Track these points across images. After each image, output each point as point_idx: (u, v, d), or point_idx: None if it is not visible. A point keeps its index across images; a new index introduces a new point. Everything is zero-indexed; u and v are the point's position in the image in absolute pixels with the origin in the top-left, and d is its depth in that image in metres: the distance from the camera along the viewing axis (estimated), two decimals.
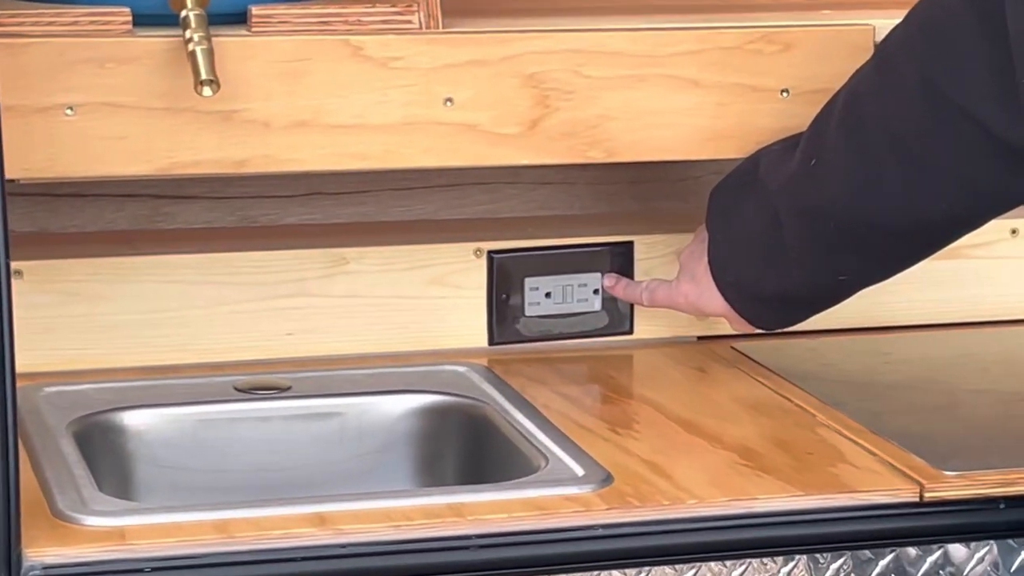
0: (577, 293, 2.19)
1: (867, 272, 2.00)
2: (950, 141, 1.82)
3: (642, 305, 2.18)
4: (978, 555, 1.77)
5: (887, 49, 1.91)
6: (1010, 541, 1.78)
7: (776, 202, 1.96)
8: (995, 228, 2.27)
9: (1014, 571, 1.78)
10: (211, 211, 2.18)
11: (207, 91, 1.84)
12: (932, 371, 2.16)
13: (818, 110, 2.01)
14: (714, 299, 2.05)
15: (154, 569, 1.62)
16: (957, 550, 1.77)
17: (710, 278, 2.04)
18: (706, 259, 2.04)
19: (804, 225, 1.95)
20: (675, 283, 2.12)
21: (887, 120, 1.87)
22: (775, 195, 1.96)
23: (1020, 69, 1.73)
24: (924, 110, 1.83)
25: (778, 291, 2.02)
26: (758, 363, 2.12)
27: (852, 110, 1.91)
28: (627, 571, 1.70)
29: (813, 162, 1.92)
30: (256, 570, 1.64)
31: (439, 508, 1.73)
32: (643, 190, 2.30)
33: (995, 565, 1.78)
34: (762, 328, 2.08)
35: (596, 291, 2.21)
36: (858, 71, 1.92)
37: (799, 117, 2.06)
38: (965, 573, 1.77)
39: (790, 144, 1.99)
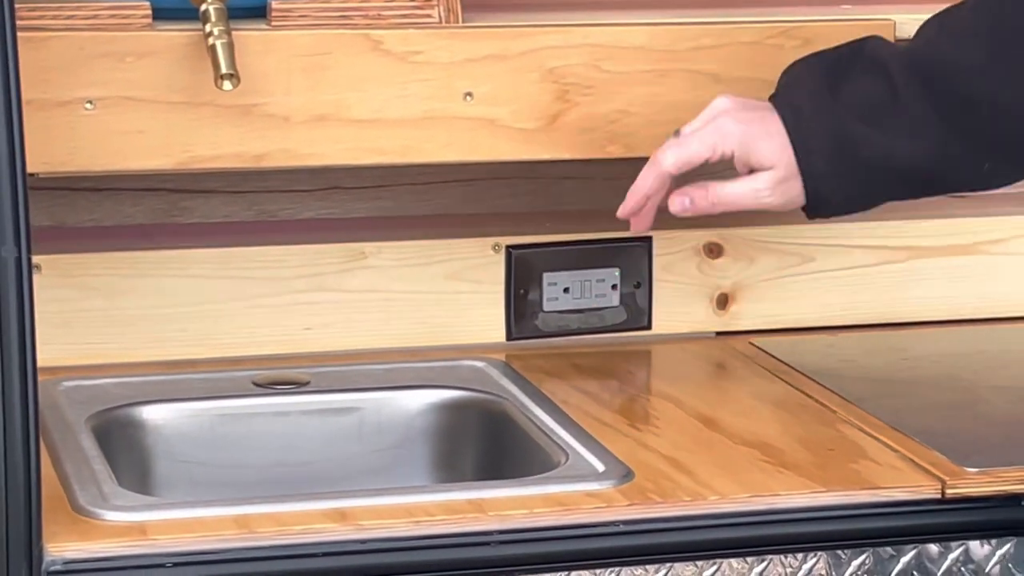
0: (595, 288, 2.20)
1: (981, 158, 1.86)
2: None
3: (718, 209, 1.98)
4: (1000, 552, 1.77)
5: None
6: None
7: (891, 67, 1.87)
8: (1012, 225, 2.28)
9: None
10: (229, 205, 2.18)
11: (227, 85, 1.84)
12: (951, 368, 2.16)
13: None
14: (792, 187, 1.91)
15: (175, 564, 1.62)
16: (978, 547, 1.77)
17: (791, 159, 1.89)
18: (785, 137, 1.89)
19: (926, 89, 1.85)
20: (752, 181, 1.94)
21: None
22: (893, 61, 1.87)
23: None
24: None
25: (879, 154, 1.87)
26: (777, 359, 2.13)
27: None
28: (648, 567, 1.71)
29: (940, 30, 1.87)
30: (277, 565, 1.64)
31: (459, 504, 1.73)
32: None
33: (1018, 562, 1.78)
34: (823, 211, 1.96)
35: (614, 286, 2.21)
36: None
37: None
38: (987, 570, 1.77)
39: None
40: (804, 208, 1.94)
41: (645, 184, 1.95)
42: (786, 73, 1.95)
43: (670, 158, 1.92)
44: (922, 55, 1.85)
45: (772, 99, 1.93)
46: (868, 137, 1.86)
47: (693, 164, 1.93)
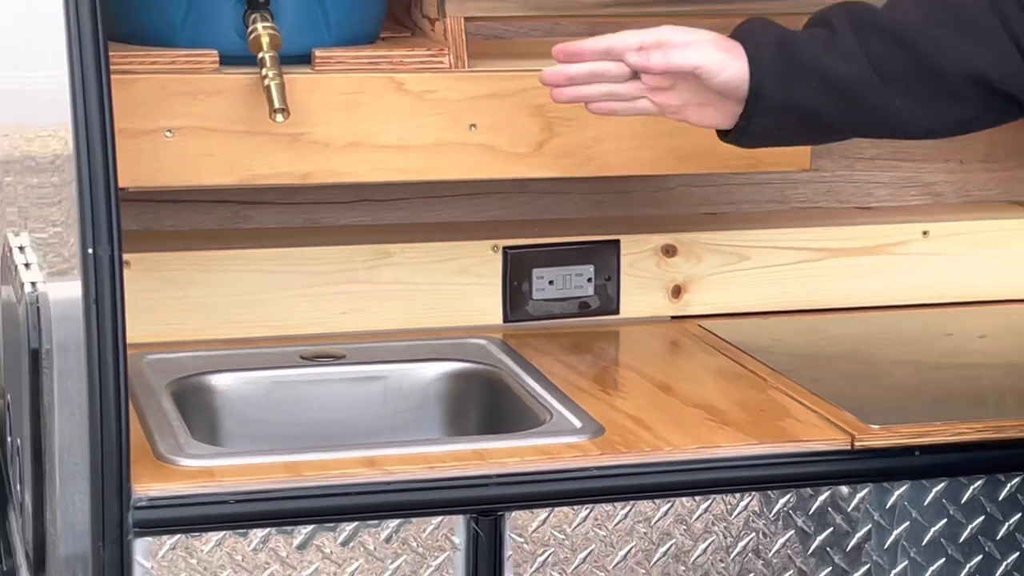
0: (574, 281, 2.19)
1: (892, 93, 1.71)
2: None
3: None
4: (897, 493, 1.78)
5: None
6: (923, 481, 1.78)
7: (832, 17, 1.73)
8: (907, 231, 2.28)
9: (926, 505, 1.78)
10: (281, 214, 2.19)
11: (279, 118, 1.84)
12: (860, 345, 2.16)
13: None
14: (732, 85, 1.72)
15: (236, 501, 1.63)
16: (881, 488, 1.77)
17: (742, 58, 1.71)
18: (738, 53, 1.71)
19: (858, 33, 1.71)
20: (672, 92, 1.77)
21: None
22: (834, 14, 1.73)
23: None
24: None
25: (814, 65, 1.71)
26: (720, 338, 2.12)
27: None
28: (615, 504, 1.71)
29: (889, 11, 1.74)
30: (318, 503, 1.65)
31: (465, 453, 1.74)
32: (627, 198, 2.29)
33: (912, 500, 1.78)
34: (756, 115, 1.74)
35: (589, 279, 2.20)
36: None
37: None
38: (887, 507, 1.77)
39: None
40: (739, 119, 1.73)
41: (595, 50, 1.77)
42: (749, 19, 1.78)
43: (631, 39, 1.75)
44: (861, 12, 1.72)
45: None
46: (805, 49, 1.71)
47: (648, 43, 1.74)
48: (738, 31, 1.74)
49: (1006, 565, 1.80)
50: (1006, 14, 1.64)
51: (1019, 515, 1.80)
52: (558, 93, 1.77)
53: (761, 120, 1.72)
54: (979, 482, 1.79)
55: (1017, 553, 1.81)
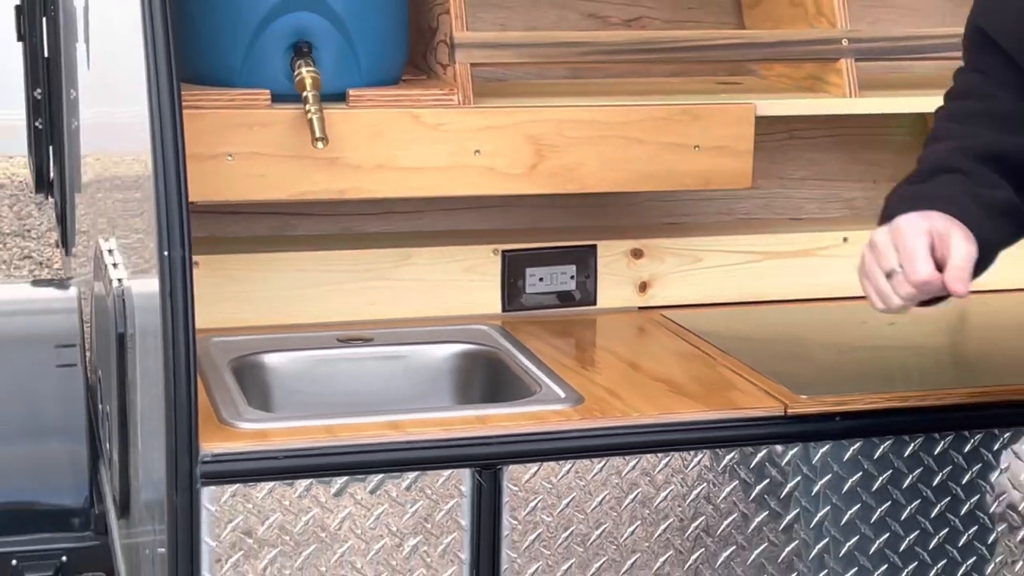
0: (560, 278, 2.18)
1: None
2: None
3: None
4: (821, 451, 1.78)
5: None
6: (842, 442, 1.78)
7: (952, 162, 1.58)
8: (832, 237, 2.28)
9: (844, 461, 1.78)
10: (321, 223, 2.19)
11: (320, 145, 1.85)
12: (793, 331, 2.16)
13: (726, 166, 2.05)
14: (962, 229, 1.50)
15: (285, 457, 1.64)
16: (808, 447, 1.77)
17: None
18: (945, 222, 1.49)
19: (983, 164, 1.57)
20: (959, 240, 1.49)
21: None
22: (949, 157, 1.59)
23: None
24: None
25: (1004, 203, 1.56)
26: (679, 325, 2.11)
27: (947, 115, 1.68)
28: (593, 460, 1.71)
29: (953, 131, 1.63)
30: (351, 458, 1.66)
31: (470, 418, 1.75)
32: (602, 211, 2.29)
33: (833, 457, 1.78)
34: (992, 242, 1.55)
35: (572, 277, 2.19)
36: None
37: (707, 164, 2.08)
38: (812, 462, 1.77)
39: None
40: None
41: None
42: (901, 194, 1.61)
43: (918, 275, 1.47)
44: (971, 149, 1.58)
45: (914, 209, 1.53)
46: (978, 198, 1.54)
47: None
48: (936, 203, 1.52)
49: (909, 510, 1.81)
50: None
51: (920, 469, 1.80)
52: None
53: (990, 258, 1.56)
54: (888, 442, 1.79)
55: (919, 500, 1.81)
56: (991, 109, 1.61)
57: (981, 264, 1.51)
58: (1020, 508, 1.84)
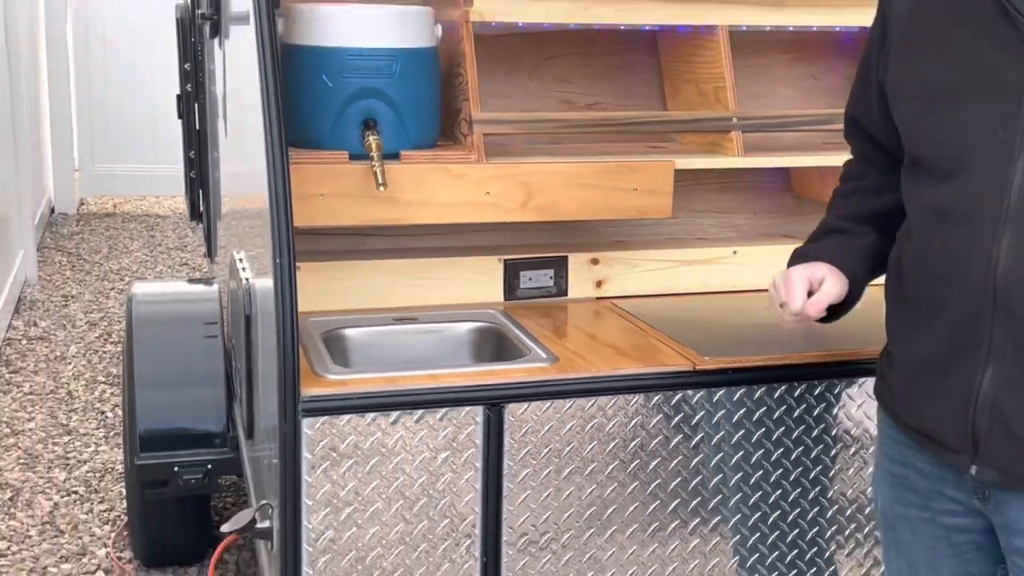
0: (543, 278, 2.16)
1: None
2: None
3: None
4: (718, 395, 1.78)
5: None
6: (732, 388, 1.78)
7: (834, 225, 1.54)
8: (727, 251, 2.26)
9: (734, 401, 1.78)
10: (382, 241, 2.18)
11: (381, 189, 1.86)
12: (703, 313, 2.12)
13: (655, 203, 2.05)
14: (839, 277, 1.49)
15: (358, 398, 1.64)
16: (710, 391, 1.77)
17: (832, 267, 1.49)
18: (824, 267, 1.49)
19: (857, 223, 1.51)
20: (831, 286, 1.48)
21: (860, 186, 1.55)
22: (832, 222, 1.55)
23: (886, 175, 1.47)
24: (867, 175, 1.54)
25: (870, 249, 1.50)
26: (623, 309, 2.10)
27: (839, 192, 1.59)
28: (565, 400, 1.71)
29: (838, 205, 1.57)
30: (402, 399, 1.66)
31: (482, 372, 1.75)
32: (572, 233, 2.26)
33: (725, 398, 1.78)
34: (859, 281, 1.52)
35: (550, 277, 2.16)
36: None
37: (642, 202, 2.07)
38: (712, 401, 1.78)
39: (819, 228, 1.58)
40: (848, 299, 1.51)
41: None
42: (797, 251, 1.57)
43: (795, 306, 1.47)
44: (844, 215, 1.55)
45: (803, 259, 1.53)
46: (854, 246, 1.52)
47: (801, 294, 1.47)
48: (820, 256, 1.51)
49: (777, 434, 1.81)
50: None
51: (784, 407, 1.80)
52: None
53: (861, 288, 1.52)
54: (763, 388, 1.79)
55: (783, 428, 1.81)
56: (864, 184, 1.55)
57: (857, 293, 1.51)
58: (851, 432, 1.85)
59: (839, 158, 1.66)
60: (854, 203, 1.55)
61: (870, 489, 1.85)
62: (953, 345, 1.27)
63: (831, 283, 1.47)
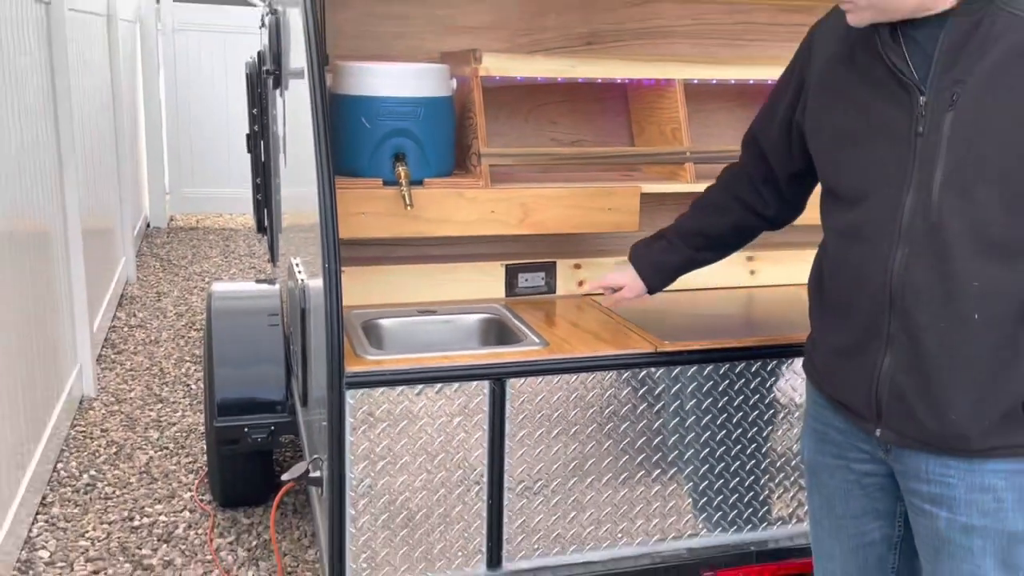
0: (536, 279, 2.16)
1: (704, 257, 1.67)
2: (733, 208, 1.60)
3: (611, 289, 1.77)
4: (675, 372, 1.77)
5: (709, 187, 1.65)
6: (687, 366, 1.77)
7: (668, 235, 1.68)
8: None
9: (688, 376, 1.77)
10: (409, 250, 2.16)
11: (409, 208, 1.84)
12: (663, 307, 2.08)
13: (625, 220, 2.02)
14: (636, 284, 1.72)
15: (390, 374, 1.63)
16: (669, 369, 1.76)
17: (637, 279, 1.71)
18: (630, 275, 1.71)
19: (682, 239, 1.66)
20: (622, 292, 1.74)
21: (713, 202, 1.64)
22: (668, 232, 1.68)
23: (758, 185, 1.55)
24: (725, 197, 1.62)
25: (671, 264, 1.68)
26: (600, 304, 2.08)
27: (697, 202, 1.67)
28: (554, 376, 1.70)
29: (682, 220, 1.67)
30: (425, 375, 1.64)
31: (488, 354, 1.73)
32: (560, 244, 2.26)
33: (681, 374, 1.77)
34: (653, 289, 1.72)
35: (543, 279, 2.15)
36: (699, 195, 1.66)
37: (615, 219, 2.05)
38: (671, 376, 1.76)
39: (665, 229, 1.69)
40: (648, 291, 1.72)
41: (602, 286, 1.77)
42: (632, 248, 1.73)
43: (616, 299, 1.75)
44: (677, 227, 1.68)
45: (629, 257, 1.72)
46: (661, 260, 1.69)
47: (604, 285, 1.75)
48: (637, 264, 1.70)
49: (722, 402, 1.80)
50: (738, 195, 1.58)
51: (727, 381, 1.79)
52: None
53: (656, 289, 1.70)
54: (711, 366, 1.78)
55: (726, 398, 1.80)
56: (717, 200, 1.61)
57: (653, 292, 1.71)
58: (781, 400, 1.84)
59: None
60: (694, 219, 1.63)
61: (796, 445, 1.85)
62: (861, 336, 1.28)
63: (627, 290, 1.71)
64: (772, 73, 2.22)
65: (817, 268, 1.42)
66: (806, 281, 1.48)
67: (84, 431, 3.21)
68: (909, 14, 1.19)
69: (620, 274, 1.72)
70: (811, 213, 1.50)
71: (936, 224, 1.17)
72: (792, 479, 1.87)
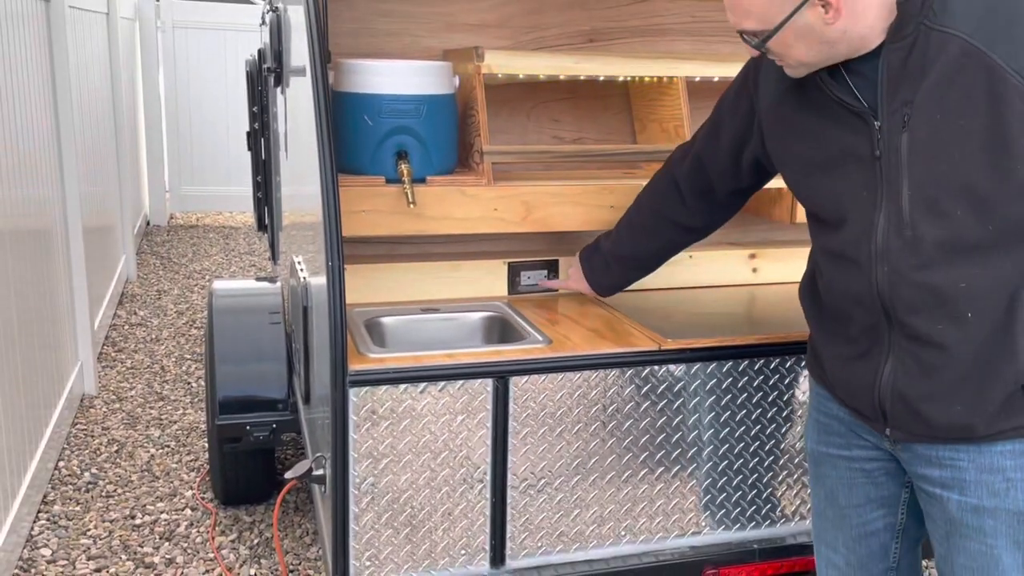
0: (538, 277, 2.14)
1: (638, 276, 1.90)
2: (663, 228, 1.77)
3: (555, 289, 2.08)
4: (678, 371, 1.76)
5: (640, 197, 1.83)
6: (691, 364, 1.76)
7: (607, 256, 1.88)
8: (682, 256, 2.20)
9: (692, 374, 1.76)
10: (411, 248, 2.16)
11: (411, 206, 1.83)
12: (667, 305, 2.09)
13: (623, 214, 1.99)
14: (583, 284, 1.94)
15: (393, 372, 1.62)
16: (673, 367, 1.76)
17: (583, 279, 1.94)
18: (581, 274, 1.93)
19: (617, 262, 1.86)
20: (566, 281, 2.02)
21: (642, 224, 1.81)
22: (606, 254, 1.88)
23: (688, 199, 1.72)
24: (653, 218, 1.78)
25: (608, 284, 1.91)
26: (603, 302, 2.07)
27: (628, 222, 1.84)
28: (557, 374, 1.69)
29: (616, 241, 1.86)
30: (427, 372, 1.64)
31: (491, 352, 1.72)
32: (562, 241, 2.25)
33: (685, 372, 1.77)
34: (600, 295, 1.97)
35: (546, 275, 2.15)
36: (631, 206, 1.85)
37: (617, 215, 2.00)
38: (675, 375, 1.76)
39: (608, 233, 1.89)
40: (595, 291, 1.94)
41: (549, 286, 2.05)
42: (580, 252, 1.95)
43: (556, 287, 2.05)
44: (614, 249, 1.85)
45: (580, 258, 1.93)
46: (605, 278, 1.90)
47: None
48: (586, 272, 1.92)
49: (726, 399, 1.80)
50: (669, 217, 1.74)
51: (731, 379, 1.79)
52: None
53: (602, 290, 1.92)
54: (714, 364, 1.78)
55: (730, 395, 1.79)
56: (647, 221, 1.77)
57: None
58: (783, 397, 1.83)
59: (773, 182, 1.65)
60: (627, 242, 1.82)
61: (800, 443, 1.85)
62: (863, 345, 1.31)
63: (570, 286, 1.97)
64: None
65: (810, 279, 1.44)
66: None
67: (85, 429, 3.20)
68: (843, 59, 1.22)
69: (575, 282, 1.95)
70: None
71: (911, 239, 1.20)
72: (796, 476, 1.87)
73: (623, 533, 1.77)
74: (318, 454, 1.76)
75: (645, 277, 1.91)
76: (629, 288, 2.12)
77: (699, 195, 1.67)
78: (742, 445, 1.83)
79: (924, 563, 2.08)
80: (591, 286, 1.93)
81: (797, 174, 1.35)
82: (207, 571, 2.39)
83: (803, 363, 1.49)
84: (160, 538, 2.54)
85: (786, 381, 1.83)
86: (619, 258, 1.86)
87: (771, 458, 1.85)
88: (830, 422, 1.42)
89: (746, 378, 1.80)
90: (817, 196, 1.31)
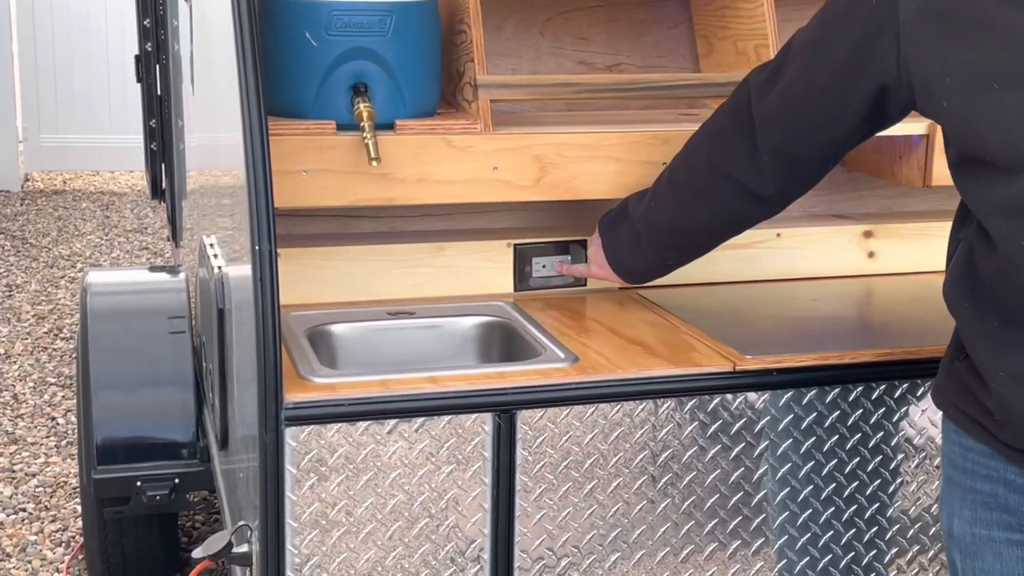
0: (556, 264, 2.14)
1: (680, 259, 1.93)
2: (721, 190, 1.78)
3: (580, 277, 2.14)
4: (763, 398, 1.77)
5: (690, 143, 1.84)
6: (778, 391, 1.77)
7: (636, 225, 1.90)
8: (769, 233, 2.23)
9: (780, 407, 1.77)
10: (374, 223, 2.17)
11: (374, 163, 1.84)
12: (740, 305, 2.12)
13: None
14: (607, 270, 1.98)
15: (349, 404, 1.64)
16: (752, 396, 1.77)
17: (606, 262, 1.97)
18: (603, 253, 1.97)
19: (650, 235, 1.88)
20: (588, 265, 2.07)
21: (689, 180, 1.82)
22: (636, 221, 1.90)
23: (762, 153, 1.69)
24: (708, 174, 1.79)
25: (637, 268, 1.96)
26: (650, 301, 2.09)
27: (671, 176, 1.86)
28: (586, 406, 1.70)
29: (653, 203, 1.88)
30: (399, 405, 1.65)
31: (491, 374, 1.74)
32: (590, 213, 2.24)
33: (773, 403, 1.77)
34: (629, 283, 2.05)
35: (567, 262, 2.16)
36: (676, 155, 1.88)
37: None
38: (755, 407, 1.77)
39: (642, 193, 1.92)
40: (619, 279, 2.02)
41: (567, 272, 2.13)
42: (600, 221, 2.02)
43: (578, 274, 2.13)
44: (647, 218, 1.89)
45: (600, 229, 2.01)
46: (632, 261, 1.95)
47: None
48: (607, 249, 1.99)
49: (830, 444, 1.80)
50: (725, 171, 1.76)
51: (837, 412, 1.79)
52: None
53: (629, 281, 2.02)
54: (813, 391, 1.78)
55: (836, 436, 1.80)
56: (682, 176, 1.83)
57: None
58: (914, 441, 1.84)
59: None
60: (662, 203, 1.86)
61: (935, 507, 1.85)
62: None
63: (584, 268, 2.10)
64: None
65: (966, 265, 1.41)
66: (942, 269, 1.47)
67: None
68: None
69: (597, 266, 2.02)
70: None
71: None
72: (930, 556, 1.87)
73: None
74: (241, 523, 1.76)
75: (696, 261, 1.93)
76: (685, 280, 2.10)
77: (778, 147, 1.66)
78: (853, 509, 1.82)
79: None
80: (613, 268, 1.96)
81: (965, 96, 1.31)
82: None
83: (940, 402, 1.48)
84: None
85: (918, 417, 1.82)
86: (652, 228, 1.87)
87: (895, 528, 1.85)
88: (995, 490, 1.39)
89: (860, 412, 1.80)
90: (991, 124, 1.28)
